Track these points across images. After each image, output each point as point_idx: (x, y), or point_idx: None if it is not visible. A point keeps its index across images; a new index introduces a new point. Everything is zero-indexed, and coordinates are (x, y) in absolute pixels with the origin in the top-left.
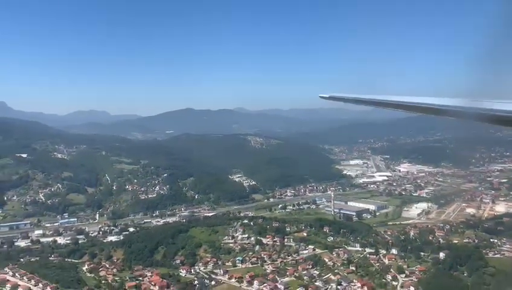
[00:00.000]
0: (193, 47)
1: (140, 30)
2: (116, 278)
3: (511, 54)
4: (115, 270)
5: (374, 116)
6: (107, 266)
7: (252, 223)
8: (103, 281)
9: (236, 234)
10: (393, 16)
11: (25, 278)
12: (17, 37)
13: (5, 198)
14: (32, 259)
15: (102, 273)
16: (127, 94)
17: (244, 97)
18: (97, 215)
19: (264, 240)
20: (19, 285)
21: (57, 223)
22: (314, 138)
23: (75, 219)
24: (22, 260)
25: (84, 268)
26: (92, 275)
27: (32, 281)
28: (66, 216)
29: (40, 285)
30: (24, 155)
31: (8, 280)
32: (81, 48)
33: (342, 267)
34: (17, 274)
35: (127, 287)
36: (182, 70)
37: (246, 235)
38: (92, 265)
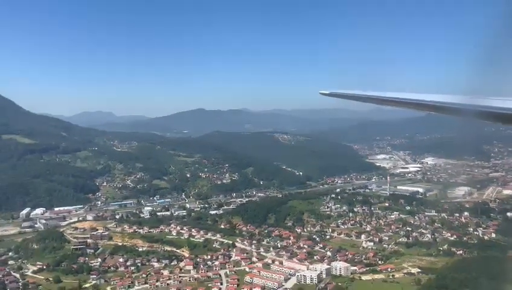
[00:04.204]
0: (197, 48)
1: (145, 32)
2: (262, 231)
3: (511, 53)
4: (252, 227)
5: (380, 116)
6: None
7: (339, 197)
8: (250, 232)
9: (330, 205)
10: (395, 16)
11: (193, 230)
12: (23, 38)
13: (97, 184)
14: (178, 221)
15: (243, 228)
16: (131, 96)
17: (246, 98)
18: (183, 196)
19: (355, 209)
20: (193, 235)
21: (155, 203)
22: (330, 136)
23: (169, 200)
24: (171, 221)
25: (221, 226)
26: (235, 230)
27: (201, 232)
28: (158, 197)
29: (209, 234)
30: (96, 148)
31: (181, 232)
32: (86, 49)
33: (427, 226)
34: (184, 228)
35: (273, 235)
36: (187, 72)
37: (339, 206)
38: (227, 225)
